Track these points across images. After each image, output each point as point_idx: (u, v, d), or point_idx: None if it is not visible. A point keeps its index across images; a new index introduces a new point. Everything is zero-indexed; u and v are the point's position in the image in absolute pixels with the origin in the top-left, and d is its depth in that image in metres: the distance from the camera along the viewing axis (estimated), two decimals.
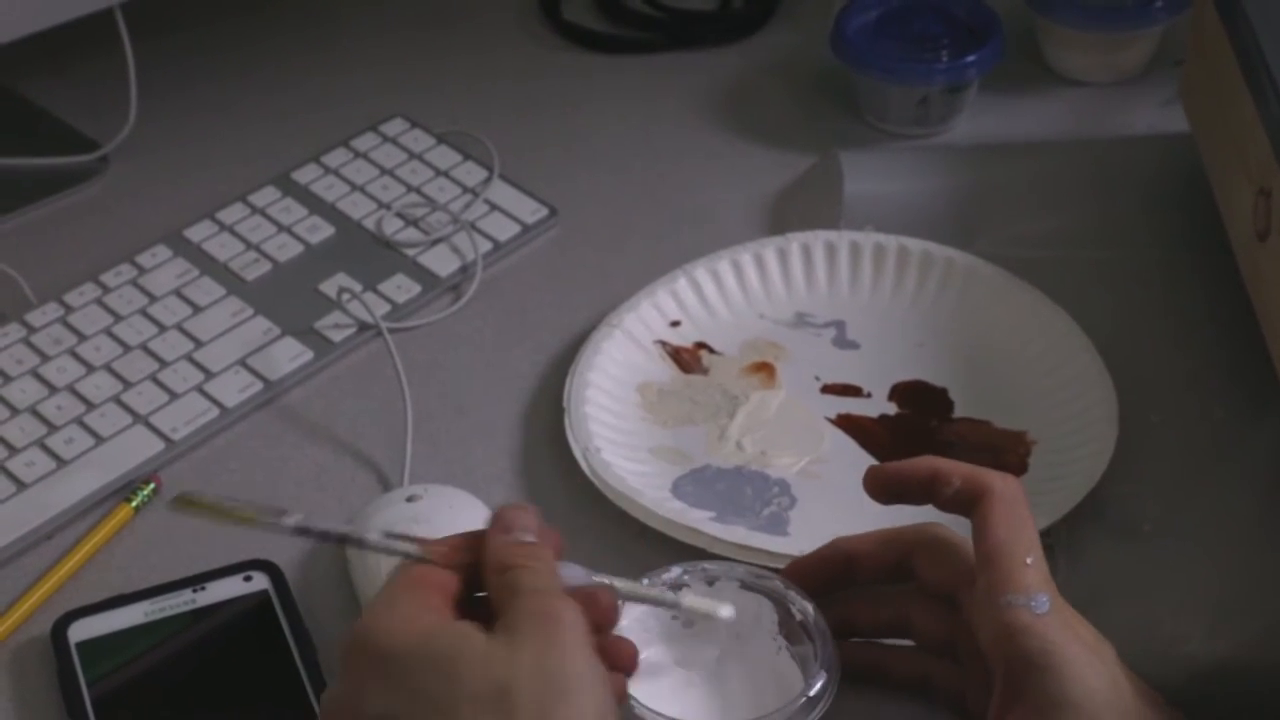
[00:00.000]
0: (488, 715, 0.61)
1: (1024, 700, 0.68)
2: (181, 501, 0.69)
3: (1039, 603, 0.69)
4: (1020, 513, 0.71)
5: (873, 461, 0.86)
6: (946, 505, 0.73)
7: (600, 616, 0.69)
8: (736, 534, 0.82)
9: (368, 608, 0.67)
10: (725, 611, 0.72)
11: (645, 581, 0.74)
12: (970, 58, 1.04)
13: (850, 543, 0.76)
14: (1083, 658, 0.68)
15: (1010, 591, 0.69)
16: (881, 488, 0.75)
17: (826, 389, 0.91)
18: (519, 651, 0.63)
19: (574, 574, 0.69)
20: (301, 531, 0.69)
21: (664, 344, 0.93)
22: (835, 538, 0.76)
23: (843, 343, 0.93)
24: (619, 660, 0.70)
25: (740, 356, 0.93)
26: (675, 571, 0.75)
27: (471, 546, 0.68)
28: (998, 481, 0.72)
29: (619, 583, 0.71)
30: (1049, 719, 0.67)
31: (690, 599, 0.72)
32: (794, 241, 0.96)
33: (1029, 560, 0.70)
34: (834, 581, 0.76)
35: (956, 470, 0.72)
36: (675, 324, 0.94)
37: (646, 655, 0.74)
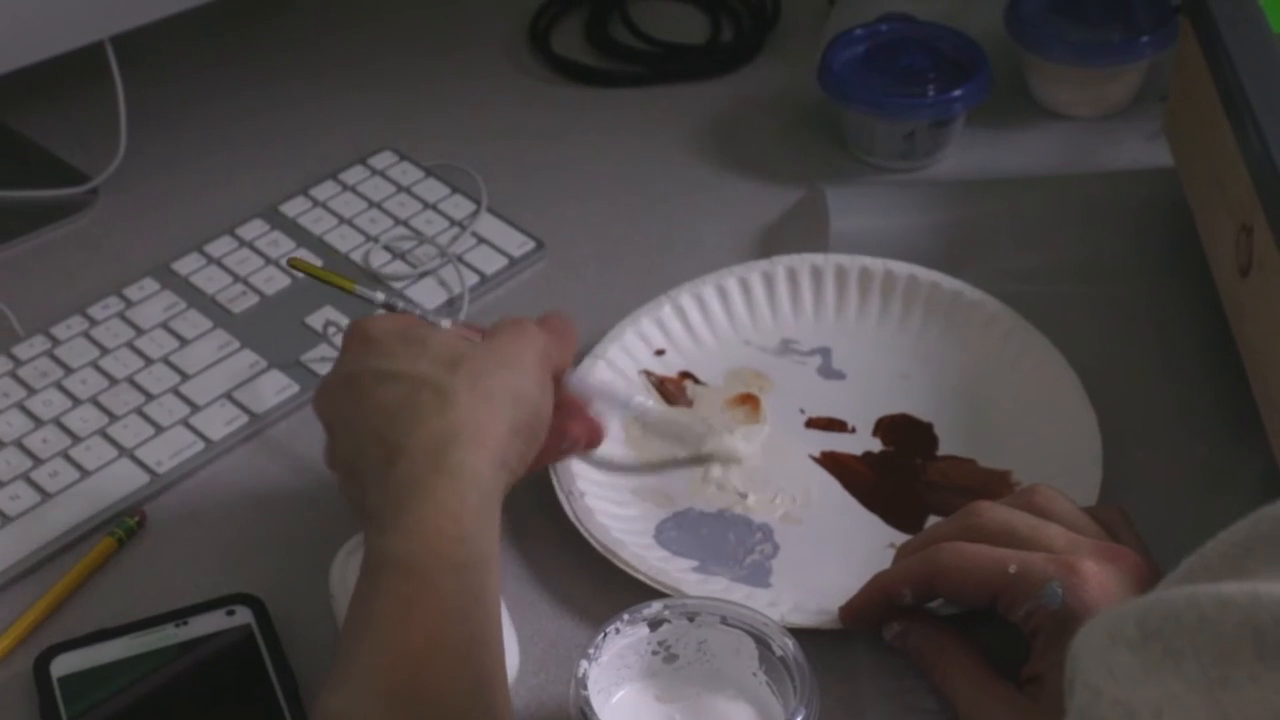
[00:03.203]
0: (440, 369, 0.76)
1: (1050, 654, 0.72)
2: (294, 262, 0.89)
3: (1048, 598, 0.71)
4: (970, 555, 0.74)
5: (856, 504, 0.87)
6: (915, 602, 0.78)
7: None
8: (718, 586, 0.81)
9: None
10: (745, 449, 0.85)
11: (625, 617, 0.74)
12: (956, 92, 1.04)
13: (883, 579, 0.78)
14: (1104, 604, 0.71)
15: (1015, 609, 0.73)
16: (858, 622, 0.79)
17: (811, 423, 0.91)
18: (486, 340, 0.80)
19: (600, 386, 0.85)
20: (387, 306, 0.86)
21: (649, 374, 0.93)
22: (875, 574, 0.78)
23: (828, 372, 0.93)
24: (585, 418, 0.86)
25: (725, 387, 0.93)
26: (656, 607, 0.75)
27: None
28: (942, 556, 0.75)
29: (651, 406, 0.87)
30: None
31: (712, 441, 0.86)
32: (780, 265, 0.96)
33: (1012, 570, 0.73)
34: (886, 613, 0.78)
35: (902, 578, 0.77)
36: (660, 352, 0.94)
37: (626, 691, 0.74)
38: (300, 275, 0.98)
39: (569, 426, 0.84)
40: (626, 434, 0.90)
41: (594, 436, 0.86)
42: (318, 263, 0.97)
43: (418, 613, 0.69)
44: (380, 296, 0.85)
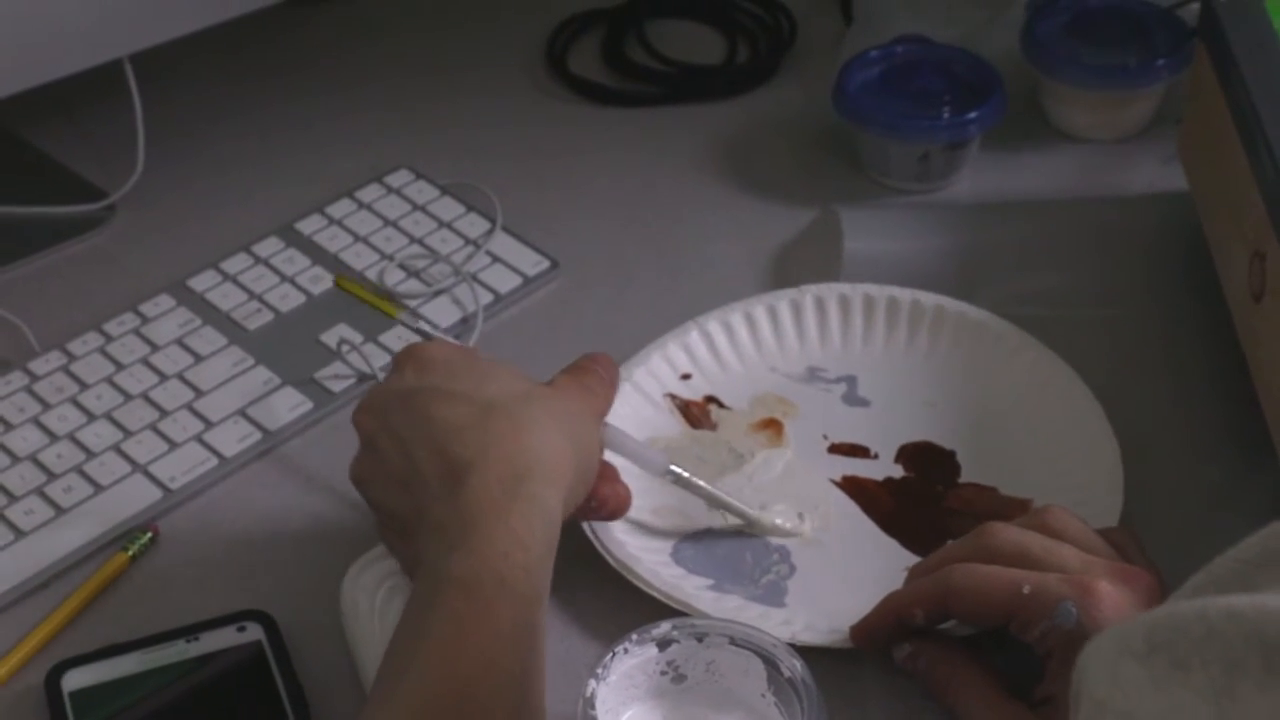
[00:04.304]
0: (511, 398, 0.76)
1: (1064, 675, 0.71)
2: (340, 282, 0.88)
3: (1063, 617, 0.72)
4: (984, 576, 0.74)
5: (875, 529, 0.86)
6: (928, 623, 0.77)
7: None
8: (732, 605, 0.82)
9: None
10: (800, 528, 0.85)
11: (634, 637, 0.74)
12: (972, 115, 1.04)
13: (896, 599, 0.78)
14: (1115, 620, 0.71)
15: (1029, 630, 0.73)
16: (870, 643, 0.79)
17: (834, 449, 0.91)
18: (549, 385, 0.80)
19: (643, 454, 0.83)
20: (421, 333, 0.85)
21: (674, 397, 0.93)
22: (886, 595, 0.78)
23: (853, 399, 0.93)
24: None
25: (750, 411, 0.92)
26: (665, 627, 0.75)
27: None
28: (955, 577, 0.75)
29: (697, 482, 0.85)
30: None
31: (762, 515, 0.85)
32: (808, 294, 0.96)
33: (1026, 590, 0.73)
34: (897, 634, 0.78)
35: (915, 599, 0.77)
36: (686, 377, 0.94)
37: (634, 712, 0.74)
38: (316, 293, 0.99)
39: (599, 488, 0.82)
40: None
41: (620, 505, 0.83)
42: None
43: (473, 635, 0.69)
44: (425, 326, 0.83)
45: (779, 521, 0.86)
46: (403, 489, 0.76)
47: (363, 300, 0.85)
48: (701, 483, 0.85)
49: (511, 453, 0.74)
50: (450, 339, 0.82)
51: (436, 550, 0.72)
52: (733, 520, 0.86)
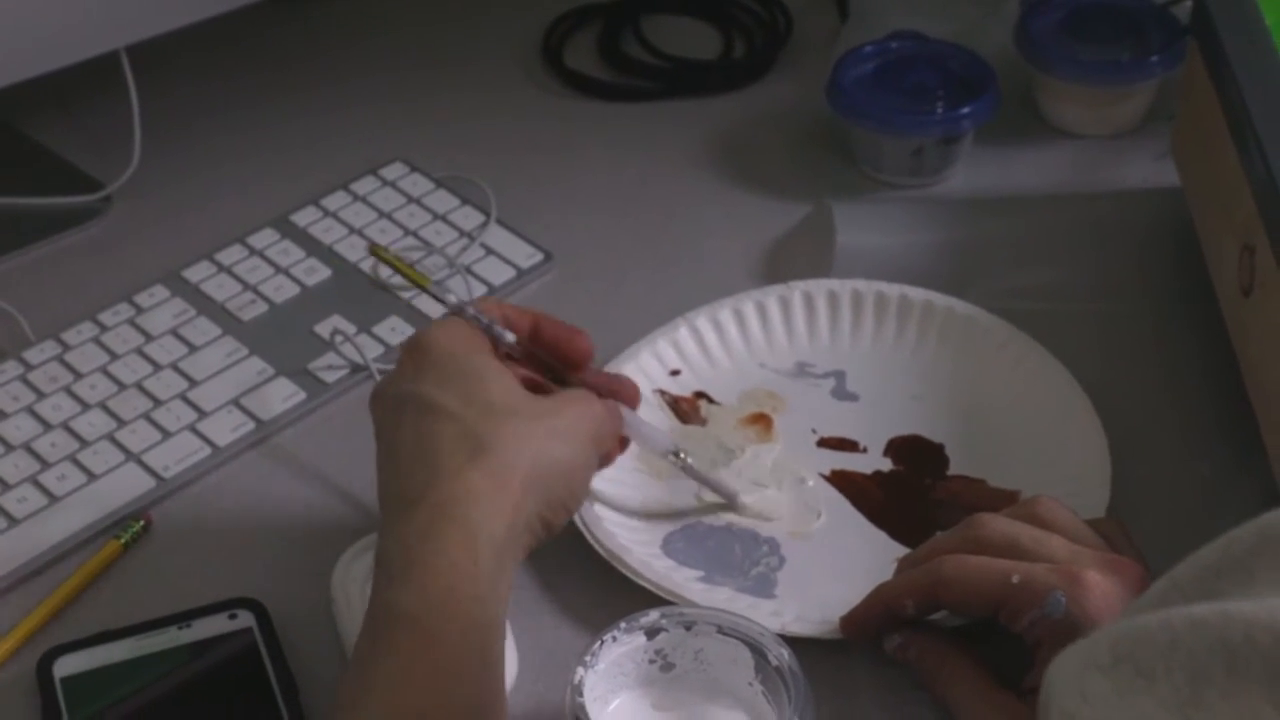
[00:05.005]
0: (487, 420, 0.74)
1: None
2: (375, 250, 0.84)
3: (1052, 607, 0.72)
4: (973, 566, 0.75)
5: (864, 521, 0.87)
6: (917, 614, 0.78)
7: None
8: (722, 596, 0.82)
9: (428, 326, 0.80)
10: (781, 513, 0.85)
11: (623, 625, 0.74)
12: (965, 109, 1.04)
13: (885, 590, 0.78)
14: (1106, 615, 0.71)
15: (1018, 620, 0.73)
16: (859, 633, 0.79)
17: (823, 443, 0.91)
18: (548, 400, 0.77)
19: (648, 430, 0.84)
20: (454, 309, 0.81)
21: (663, 393, 0.93)
22: (876, 586, 0.79)
23: (842, 394, 0.93)
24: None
25: (739, 406, 0.93)
26: (653, 616, 0.75)
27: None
28: (944, 568, 0.75)
29: (690, 460, 0.85)
30: None
31: (749, 499, 0.86)
32: (796, 290, 0.96)
33: (1015, 580, 0.73)
34: (885, 625, 0.78)
35: (905, 590, 0.77)
36: (675, 373, 0.94)
37: (622, 700, 0.74)
38: (311, 284, 0.99)
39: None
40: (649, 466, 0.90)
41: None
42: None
43: (421, 672, 0.68)
44: (452, 299, 0.80)
45: (773, 506, 0.86)
46: (383, 489, 0.76)
47: (395, 269, 0.84)
48: (703, 473, 0.86)
49: (463, 481, 0.72)
50: (484, 317, 0.79)
51: (379, 580, 0.72)
52: (723, 510, 0.86)
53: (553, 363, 0.81)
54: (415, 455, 0.74)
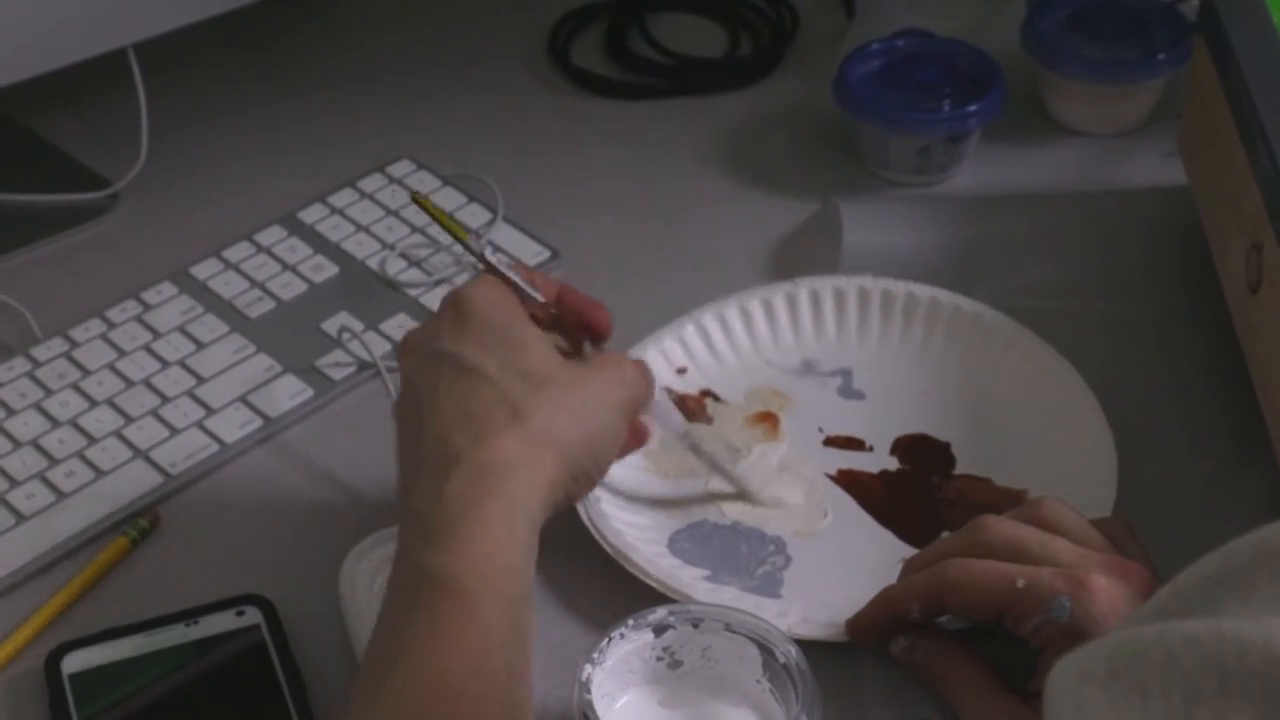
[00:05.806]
0: (524, 386, 0.75)
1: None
2: (416, 198, 0.85)
3: (1057, 612, 0.72)
4: (979, 571, 0.75)
5: (871, 521, 0.87)
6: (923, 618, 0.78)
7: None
8: (728, 596, 0.82)
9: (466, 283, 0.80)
10: (791, 498, 0.86)
11: (630, 622, 0.74)
12: (972, 108, 1.04)
13: (891, 594, 0.78)
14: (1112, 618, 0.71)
15: (1023, 624, 0.73)
16: (865, 637, 0.79)
17: (829, 441, 0.91)
18: (583, 368, 0.78)
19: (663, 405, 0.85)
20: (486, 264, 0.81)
21: (670, 391, 0.93)
22: (881, 590, 0.79)
23: (848, 392, 0.93)
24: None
25: (746, 405, 0.93)
26: (661, 613, 0.75)
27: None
28: (950, 572, 0.75)
29: (705, 445, 0.86)
30: None
31: (751, 481, 0.86)
32: (803, 287, 0.96)
33: (1020, 585, 0.73)
34: (892, 628, 0.78)
35: (911, 594, 0.77)
36: (681, 371, 0.94)
37: (629, 697, 0.74)
38: (318, 281, 0.99)
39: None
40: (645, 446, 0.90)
41: (639, 439, 0.84)
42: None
43: (458, 637, 0.68)
44: (489, 255, 0.80)
45: (780, 495, 0.87)
46: (413, 444, 0.76)
47: (433, 217, 0.84)
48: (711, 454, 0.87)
49: (499, 448, 0.73)
50: (516, 276, 0.80)
51: (417, 545, 0.71)
52: (729, 506, 0.87)
53: (574, 332, 0.82)
54: (453, 416, 0.74)
